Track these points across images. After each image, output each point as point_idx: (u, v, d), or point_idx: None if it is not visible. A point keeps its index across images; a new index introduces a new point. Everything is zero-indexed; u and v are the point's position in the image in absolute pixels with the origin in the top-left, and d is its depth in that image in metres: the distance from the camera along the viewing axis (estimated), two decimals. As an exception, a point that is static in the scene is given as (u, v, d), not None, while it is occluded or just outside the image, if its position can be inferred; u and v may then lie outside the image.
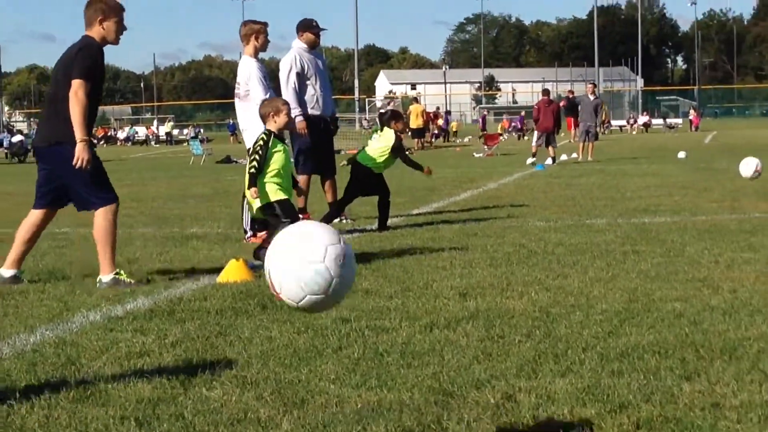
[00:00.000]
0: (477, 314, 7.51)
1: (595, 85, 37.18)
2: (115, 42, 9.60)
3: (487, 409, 5.12)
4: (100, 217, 9.43)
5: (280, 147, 10.35)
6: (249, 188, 10.22)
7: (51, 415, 5.22)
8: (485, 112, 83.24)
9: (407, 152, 14.45)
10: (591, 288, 8.52)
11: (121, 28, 9.59)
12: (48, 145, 9.50)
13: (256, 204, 10.30)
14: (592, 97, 35.29)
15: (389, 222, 13.81)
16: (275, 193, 10.25)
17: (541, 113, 33.05)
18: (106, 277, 9.36)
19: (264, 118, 10.54)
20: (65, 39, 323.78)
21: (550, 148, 32.33)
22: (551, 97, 34.67)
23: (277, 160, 10.29)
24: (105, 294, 8.91)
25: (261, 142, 10.28)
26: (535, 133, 33.60)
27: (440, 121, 69.34)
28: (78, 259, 10.85)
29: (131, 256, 11.45)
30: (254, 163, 10.19)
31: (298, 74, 14.30)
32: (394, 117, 14.09)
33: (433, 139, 63.33)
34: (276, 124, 10.44)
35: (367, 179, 13.76)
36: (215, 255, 11.31)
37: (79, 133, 9.20)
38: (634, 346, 6.35)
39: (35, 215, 9.79)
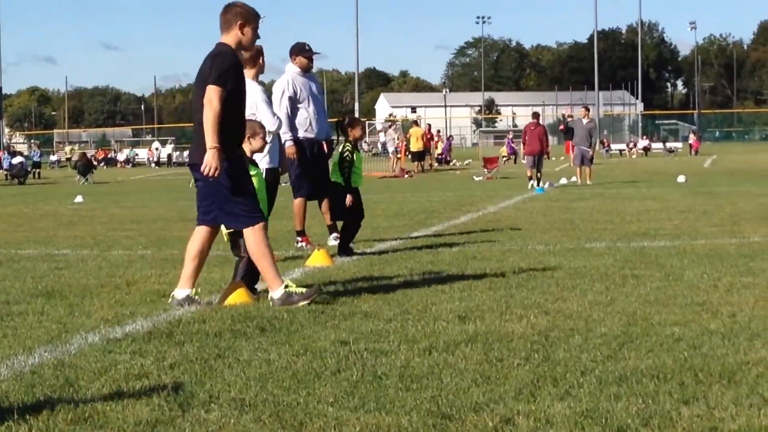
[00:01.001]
0: (476, 337, 7.50)
1: (587, 109, 37.26)
2: (250, 49, 9.58)
3: (485, 433, 5.11)
4: (249, 235, 9.28)
5: (254, 171, 9.99)
6: None
7: (49, 437, 5.22)
8: (510, 134, 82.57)
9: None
10: (590, 312, 8.51)
11: (256, 35, 9.55)
12: (197, 162, 9.31)
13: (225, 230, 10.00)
14: (585, 121, 35.38)
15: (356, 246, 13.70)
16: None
17: (528, 136, 33.35)
18: (276, 293, 9.17)
19: None
20: (66, 62, 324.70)
21: (538, 172, 32.48)
22: (540, 121, 34.75)
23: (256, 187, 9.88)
24: (105, 316, 8.90)
25: None
26: (526, 157, 33.78)
27: (440, 144, 69.35)
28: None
29: (130, 277, 11.45)
30: None
31: (290, 98, 14.33)
32: (350, 124, 13.82)
33: (437, 163, 63.42)
34: (250, 146, 10.03)
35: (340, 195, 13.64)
36: (214, 277, 11.31)
37: (210, 140, 8.99)
38: (632, 370, 6.35)
39: (199, 232, 9.54)
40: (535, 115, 34.88)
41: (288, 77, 14.54)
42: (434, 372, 6.45)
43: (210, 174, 8.97)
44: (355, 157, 13.58)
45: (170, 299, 9.35)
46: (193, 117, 9.52)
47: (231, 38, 9.42)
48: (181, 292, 9.34)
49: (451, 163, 67.34)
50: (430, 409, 5.56)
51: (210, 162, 8.96)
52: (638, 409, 5.45)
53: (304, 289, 9.17)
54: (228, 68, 9.24)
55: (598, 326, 7.86)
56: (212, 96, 9.06)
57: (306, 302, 9.07)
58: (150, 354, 7.21)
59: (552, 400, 5.67)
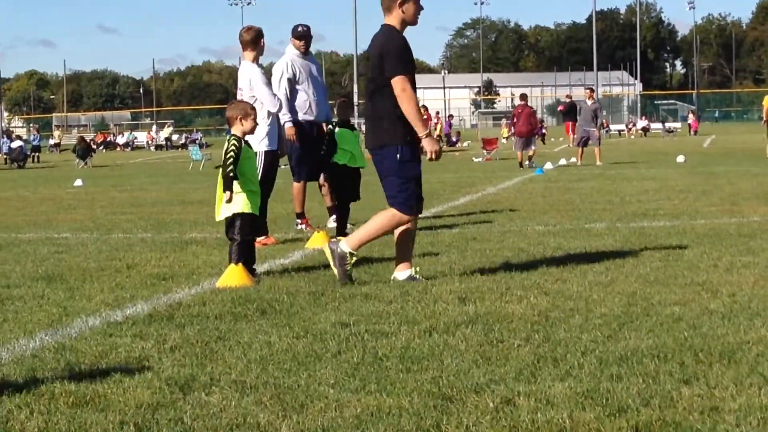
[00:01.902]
0: (476, 318, 7.51)
1: (592, 90, 37.36)
2: (414, 22, 9.54)
3: (486, 414, 5.12)
4: (388, 212, 9.37)
5: (249, 153, 10.05)
6: (225, 190, 9.78)
7: (50, 420, 5.22)
8: (514, 119, 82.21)
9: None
10: (590, 292, 8.51)
11: (419, 7, 9.56)
12: (373, 148, 9.44)
13: (223, 210, 9.91)
14: (590, 102, 35.45)
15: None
16: (244, 205, 9.87)
17: (516, 118, 33.89)
18: (344, 246, 9.36)
19: (230, 120, 10.10)
20: (64, 45, 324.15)
21: (531, 150, 32.76)
22: (528, 102, 35.11)
23: (247, 167, 9.96)
24: (105, 299, 8.90)
25: (234, 148, 9.81)
26: (514, 139, 34.29)
27: (440, 126, 69.40)
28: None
29: (130, 261, 11.45)
30: (231, 167, 9.76)
31: (289, 80, 14.28)
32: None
33: (445, 144, 63.65)
34: (242, 128, 10.01)
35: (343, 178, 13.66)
36: (214, 260, 11.32)
37: (419, 129, 9.25)
38: (633, 350, 6.35)
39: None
40: (523, 97, 35.37)
41: (287, 59, 14.50)
42: (435, 353, 6.46)
43: (435, 158, 9.31)
44: (337, 136, 13.48)
45: (392, 280, 9.41)
46: (366, 105, 9.61)
47: (394, 19, 9.47)
48: (401, 273, 9.42)
49: (457, 144, 67.12)
50: (430, 390, 5.56)
51: (432, 147, 9.26)
52: (639, 389, 5.46)
53: (423, 276, 9.37)
54: (403, 53, 9.36)
55: (598, 306, 7.87)
56: (403, 86, 9.19)
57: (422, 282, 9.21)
58: (151, 337, 7.21)
59: (552, 381, 5.67)
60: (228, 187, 9.76)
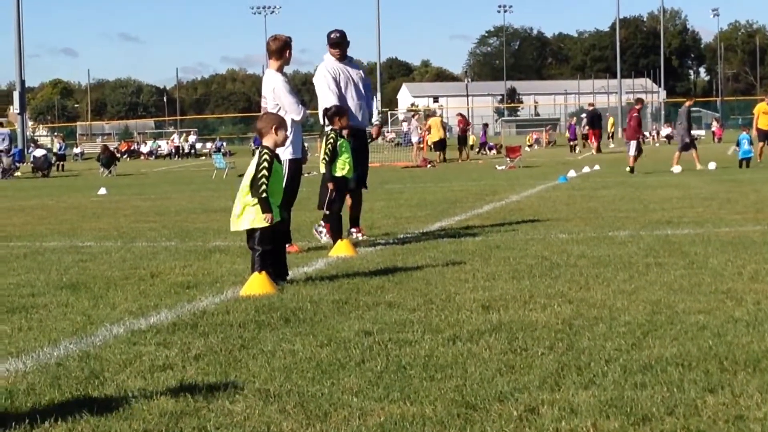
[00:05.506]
0: (500, 327, 7.50)
1: (692, 98, 37.82)
2: None
3: (510, 422, 5.11)
4: None
5: (278, 166, 10.02)
6: (264, 213, 9.71)
7: (75, 429, 5.24)
8: (572, 120, 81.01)
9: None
10: (614, 300, 8.50)
11: None
12: None
13: (241, 222, 9.92)
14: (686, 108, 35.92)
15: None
16: (261, 220, 9.81)
17: (632, 121, 34.25)
18: None
19: (263, 131, 10.06)
20: (87, 54, 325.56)
21: (632, 152, 32.98)
22: (641, 107, 35.11)
23: (274, 179, 9.93)
24: (129, 307, 8.93)
25: (266, 164, 9.80)
26: (628, 143, 34.28)
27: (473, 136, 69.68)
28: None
29: (154, 269, 11.48)
30: (264, 187, 9.75)
31: (334, 79, 14.19)
32: (336, 113, 13.46)
33: (488, 151, 64.00)
34: (276, 138, 9.99)
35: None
36: (238, 268, 11.33)
37: None
38: (657, 358, 6.34)
39: None
40: (639, 101, 35.25)
41: (326, 66, 14.42)
42: (458, 362, 6.46)
43: None
44: (339, 147, 13.23)
45: None
46: None
47: None
48: None
49: (494, 151, 67.02)
50: (454, 398, 5.56)
51: None
52: (663, 397, 5.44)
53: None
54: None
55: (622, 315, 7.85)
56: None
57: None
58: (174, 345, 7.23)
59: (576, 389, 5.66)
60: (266, 208, 9.72)
